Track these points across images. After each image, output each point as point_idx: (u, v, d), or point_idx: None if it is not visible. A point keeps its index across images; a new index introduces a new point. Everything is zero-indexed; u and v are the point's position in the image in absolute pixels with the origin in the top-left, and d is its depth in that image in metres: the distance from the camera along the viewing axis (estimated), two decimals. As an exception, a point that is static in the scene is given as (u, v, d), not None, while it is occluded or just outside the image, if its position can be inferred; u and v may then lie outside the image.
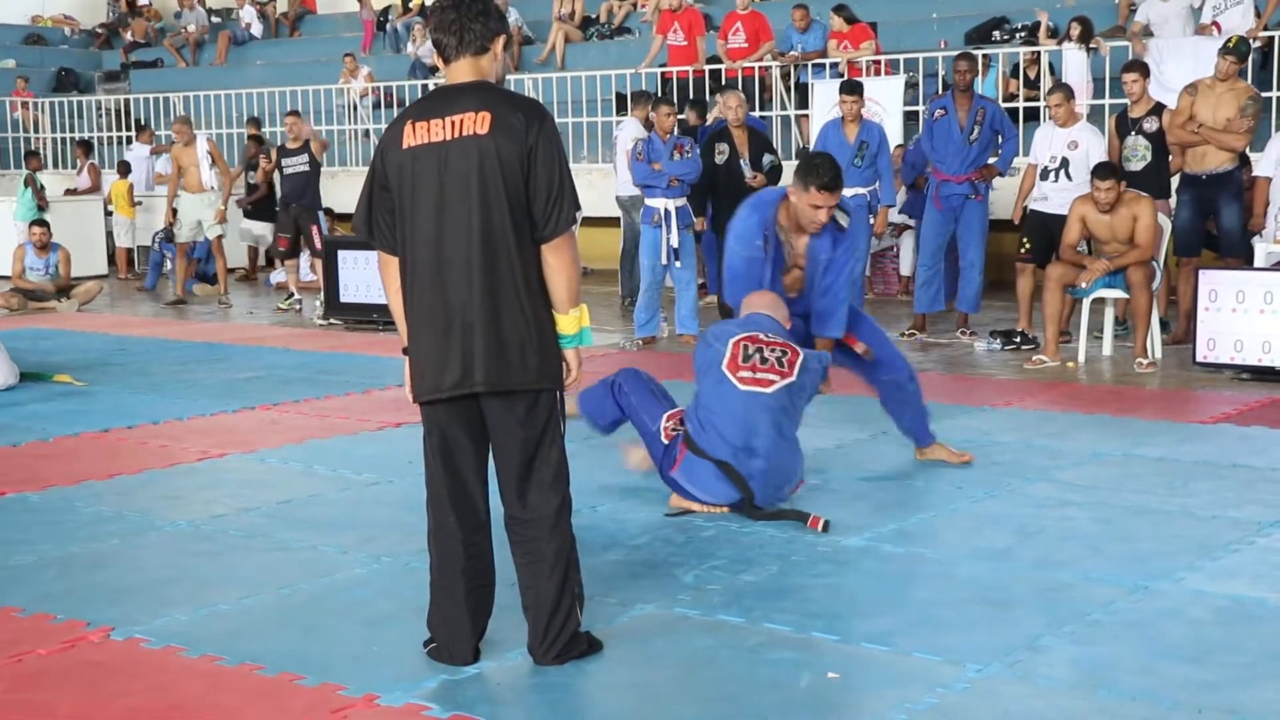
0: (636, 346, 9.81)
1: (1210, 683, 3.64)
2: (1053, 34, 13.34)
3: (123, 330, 11.53)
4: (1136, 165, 9.32)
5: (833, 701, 3.61)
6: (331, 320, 11.53)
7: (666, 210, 9.75)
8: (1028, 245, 9.47)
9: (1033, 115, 12.54)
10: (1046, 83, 12.34)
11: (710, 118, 12.30)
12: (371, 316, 11.02)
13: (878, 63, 13.60)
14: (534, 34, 17.75)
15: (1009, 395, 7.80)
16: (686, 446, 5.30)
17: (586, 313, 3.78)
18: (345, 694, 3.63)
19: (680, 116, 11.66)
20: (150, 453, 6.66)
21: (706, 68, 14.31)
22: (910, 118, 13.11)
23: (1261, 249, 8.88)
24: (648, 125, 10.90)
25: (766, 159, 10.29)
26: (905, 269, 12.41)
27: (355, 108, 17.31)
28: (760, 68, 14.13)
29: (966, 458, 6.14)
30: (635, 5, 17.67)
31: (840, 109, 10.34)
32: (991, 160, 9.86)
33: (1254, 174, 9.25)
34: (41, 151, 18.33)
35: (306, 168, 12.53)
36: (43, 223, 13.69)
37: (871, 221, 10.23)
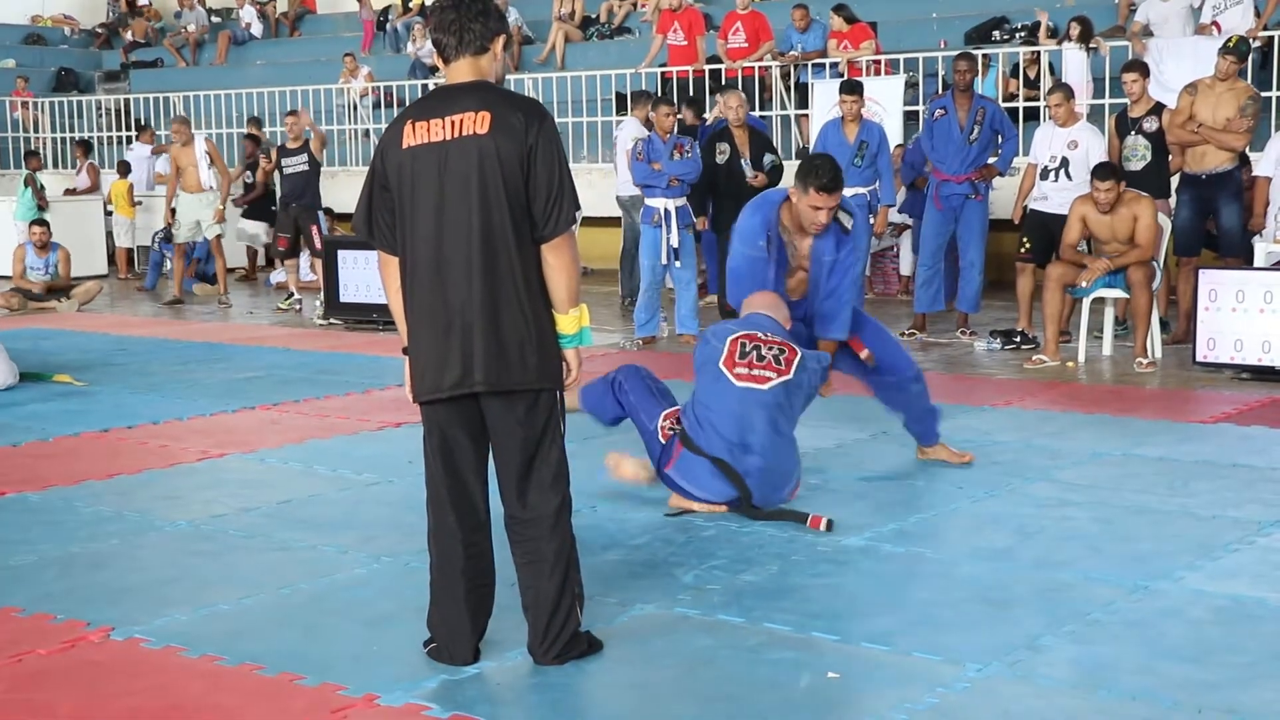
0: (636, 346, 9.81)
1: (1210, 682, 3.64)
2: (1053, 34, 13.34)
3: (123, 330, 11.53)
4: (1136, 165, 9.32)
5: (833, 701, 3.61)
6: (331, 320, 11.54)
7: (666, 210, 9.75)
8: (1028, 245, 9.47)
9: (1033, 115, 12.54)
10: (1046, 82, 12.34)
11: (710, 117, 12.31)
12: (371, 316, 11.02)
13: (878, 62, 13.60)
14: (534, 34, 17.75)
15: (1009, 395, 7.80)
16: (682, 444, 5.31)
17: (586, 312, 3.78)
18: (345, 694, 3.63)
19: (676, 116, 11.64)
20: (150, 453, 6.66)
21: (706, 67, 14.31)
22: (910, 117, 13.11)
23: (1261, 249, 8.88)
24: (648, 125, 10.90)
25: (768, 159, 10.30)
26: (905, 269, 12.41)
27: (355, 108, 17.31)
28: (760, 67, 14.12)
29: (967, 458, 6.14)
30: (635, 5, 17.67)
31: (840, 109, 10.35)
32: (991, 160, 9.86)
33: (1254, 174, 9.25)
34: (41, 151, 18.33)
35: (306, 167, 12.53)
36: (43, 222, 13.69)
37: (871, 221, 10.24)
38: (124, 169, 16.49)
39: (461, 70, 3.71)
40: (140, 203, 16.33)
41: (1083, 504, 5.45)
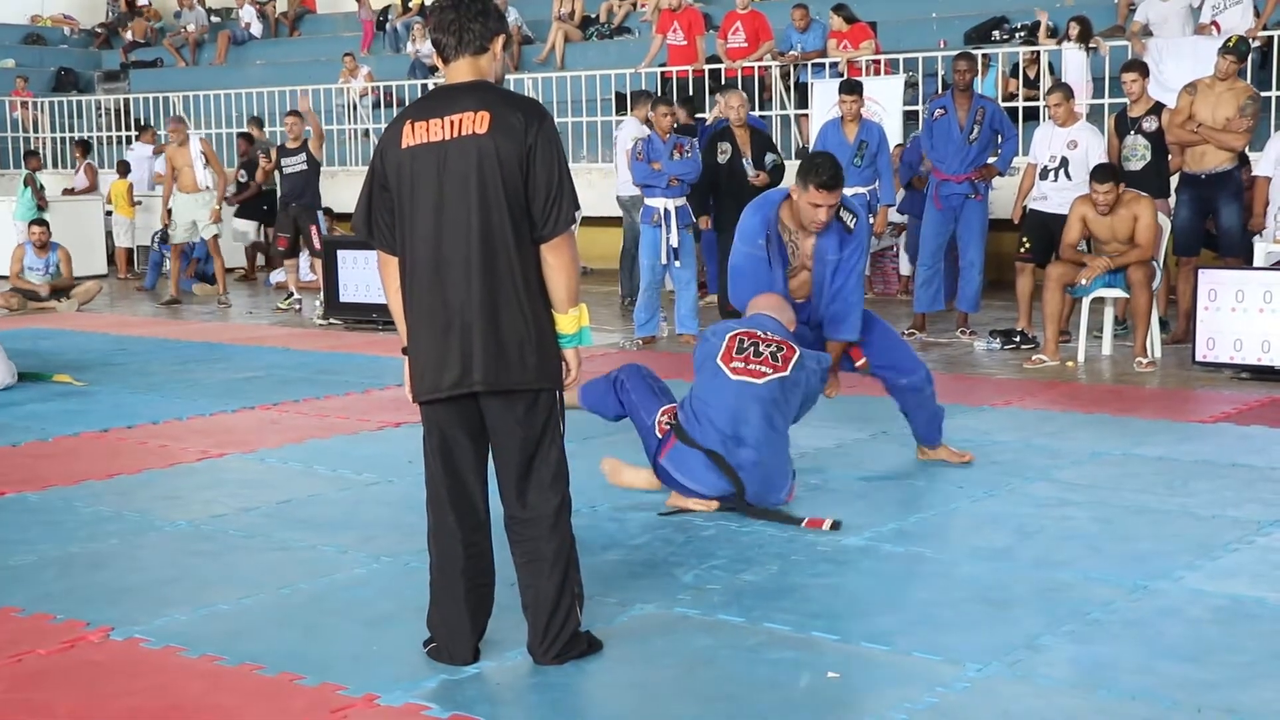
0: (636, 346, 9.81)
1: (1209, 682, 3.65)
2: (1052, 34, 13.34)
3: (122, 330, 11.53)
4: (1136, 165, 9.32)
5: (833, 701, 3.61)
6: (331, 320, 11.54)
7: (666, 210, 9.75)
8: (1027, 245, 9.47)
9: (1032, 115, 12.54)
10: (1046, 82, 12.33)
11: (710, 117, 12.31)
12: (371, 316, 11.02)
13: (877, 62, 13.60)
14: (534, 34, 17.75)
15: (1009, 395, 7.80)
16: (676, 436, 5.32)
17: (586, 312, 3.78)
18: (345, 694, 3.63)
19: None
20: (150, 453, 6.66)
21: (706, 67, 14.31)
22: (910, 117, 13.11)
23: (1261, 248, 8.88)
24: (648, 125, 10.90)
25: (769, 158, 10.30)
26: (905, 268, 12.41)
27: (355, 107, 17.31)
28: (760, 67, 14.12)
29: (967, 457, 6.14)
30: (635, 5, 17.67)
31: (840, 109, 10.35)
32: (991, 160, 9.85)
33: (1253, 174, 9.25)
34: (41, 151, 18.32)
35: (305, 167, 12.52)
36: (42, 222, 13.69)
37: (871, 221, 10.24)
38: (123, 169, 16.49)
39: (461, 70, 3.71)
40: (140, 203, 16.33)
41: (1082, 504, 5.45)
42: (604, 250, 13.64)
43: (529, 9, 17.96)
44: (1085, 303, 8.87)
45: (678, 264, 9.83)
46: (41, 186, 15.61)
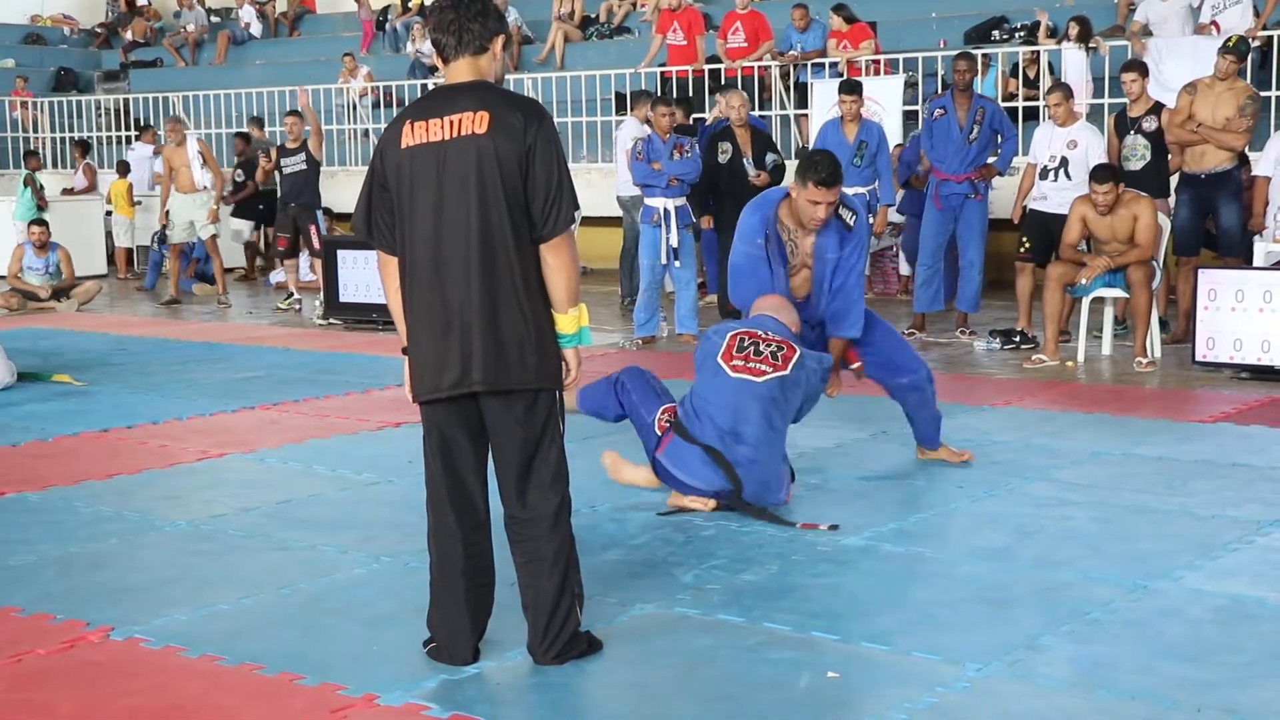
0: (636, 346, 9.81)
1: (1209, 682, 3.65)
2: (1052, 33, 13.34)
3: (122, 330, 11.53)
4: (1135, 164, 9.33)
5: (833, 701, 3.61)
6: (331, 320, 11.54)
7: (666, 210, 9.75)
8: (1027, 244, 9.47)
9: (1032, 115, 12.54)
10: (1046, 82, 12.33)
11: (710, 117, 12.31)
12: (371, 316, 11.02)
13: (877, 62, 13.60)
14: (533, 33, 17.75)
15: (1008, 394, 7.80)
16: (675, 432, 5.32)
17: (585, 312, 3.78)
18: (345, 694, 3.63)
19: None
20: (150, 453, 6.66)
21: (706, 67, 14.30)
22: (910, 117, 13.11)
23: (1261, 248, 8.88)
24: (649, 125, 10.90)
25: (770, 158, 10.30)
26: (904, 268, 12.41)
27: (354, 107, 17.31)
28: (760, 67, 14.12)
29: (966, 456, 6.14)
30: (635, 5, 17.67)
31: (839, 108, 10.36)
32: (991, 160, 9.86)
33: (1253, 173, 9.25)
34: (41, 151, 18.32)
35: (304, 166, 12.52)
36: (42, 222, 13.68)
37: (871, 221, 10.24)
38: (123, 169, 16.48)
39: (460, 70, 3.71)
40: (140, 203, 16.33)
41: (1082, 503, 5.45)
42: (604, 250, 13.64)
43: (529, 9, 17.96)
44: (1085, 303, 8.88)
45: (677, 264, 9.83)
46: (41, 186, 15.61)
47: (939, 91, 12.05)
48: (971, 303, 9.90)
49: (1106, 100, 12.03)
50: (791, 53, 14.12)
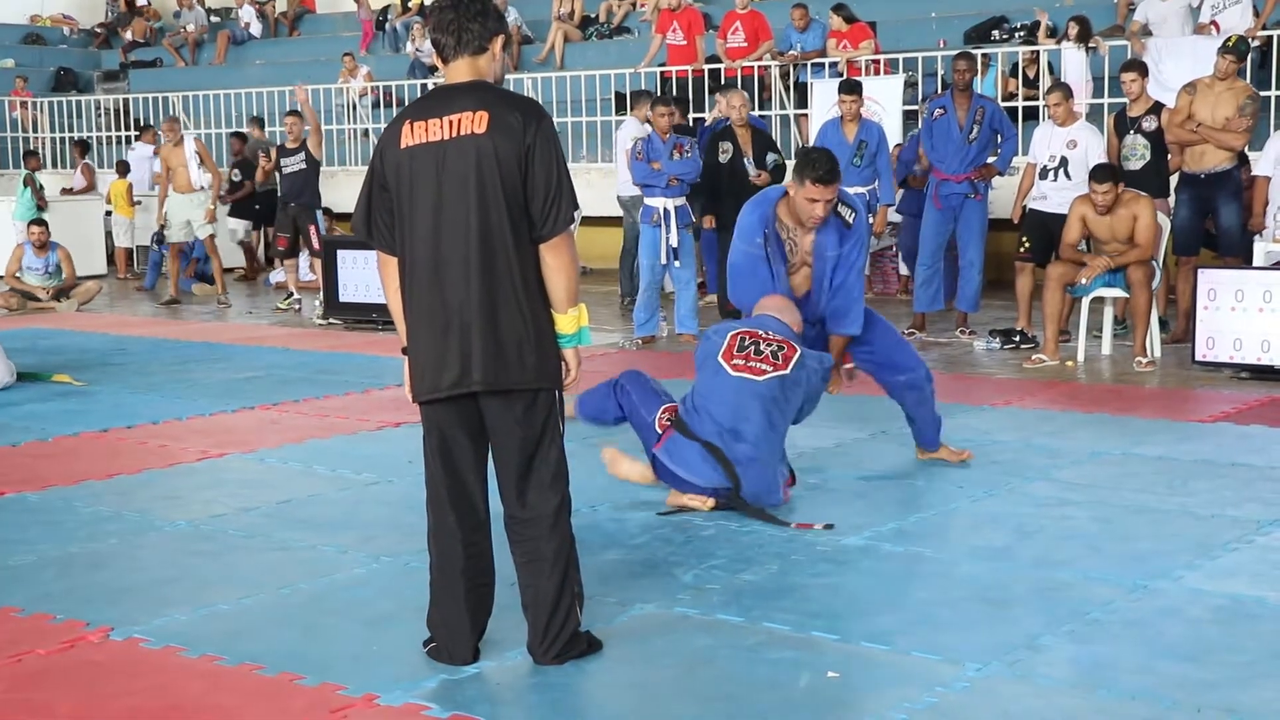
0: (636, 346, 9.82)
1: (1209, 681, 3.65)
2: (1052, 33, 13.34)
3: (122, 330, 11.53)
4: (1135, 164, 9.33)
5: (832, 701, 3.61)
6: (331, 320, 11.54)
7: (666, 210, 9.75)
8: (1027, 244, 9.47)
9: (1032, 114, 12.54)
10: (1045, 82, 12.33)
11: (710, 117, 12.30)
12: (371, 316, 11.02)
13: (877, 62, 13.60)
14: (533, 33, 17.75)
15: (1008, 394, 7.80)
16: (675, 429, 5.33)
17: (585, 312, 3.78)
18: (345, 694, 3.63)
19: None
20: (150, 453, 6.66)
21: (706, 67, 14.30)
22: (909, 117, 13.11)
23: (1261, 248, 8.88)
24: (649, 124, 10.91)
25: (770, 157, 10.31)
26: (902, 268, 12.41)
27: (354, 107, 17.31)
28: (759, 67, 14.12)
29: (965, 455, 6.14)
30: (634, 5, 17.67)
31: (839, 108, 10.36)
32: (991, 159, 9.86)
33: (1253, 173, 9.25)
34: (40, 151, 18.32)
35: (304, 166, 12.52)
36: (41, 222, 13.68)
37: (871, 220, 10.24)
38: (122, 169, 16.48)
39: (460, 70, 3.71)
40: (140, 203, 16.33)
41: (1082, 503, 5.45)
42: (604, 250, 13.64)
43: (529, 9, 17.96)
44: (1085, 302, 8.88)
45: (677, 264, 9.83)
46: (41, 186, 15.60)
47: (939, 91, 12.06)
48: (971, 302, 9.90)
49: (1106, 100, 12.03)
50: (791, 53, 14.12)
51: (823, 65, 13.81)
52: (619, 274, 12.37)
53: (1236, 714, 3.44)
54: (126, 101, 19.65)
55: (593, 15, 17.81)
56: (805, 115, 13.57)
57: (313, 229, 12.48)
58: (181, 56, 21.68)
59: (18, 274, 13.42)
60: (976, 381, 8.28)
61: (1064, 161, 9.35)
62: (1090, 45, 12.34)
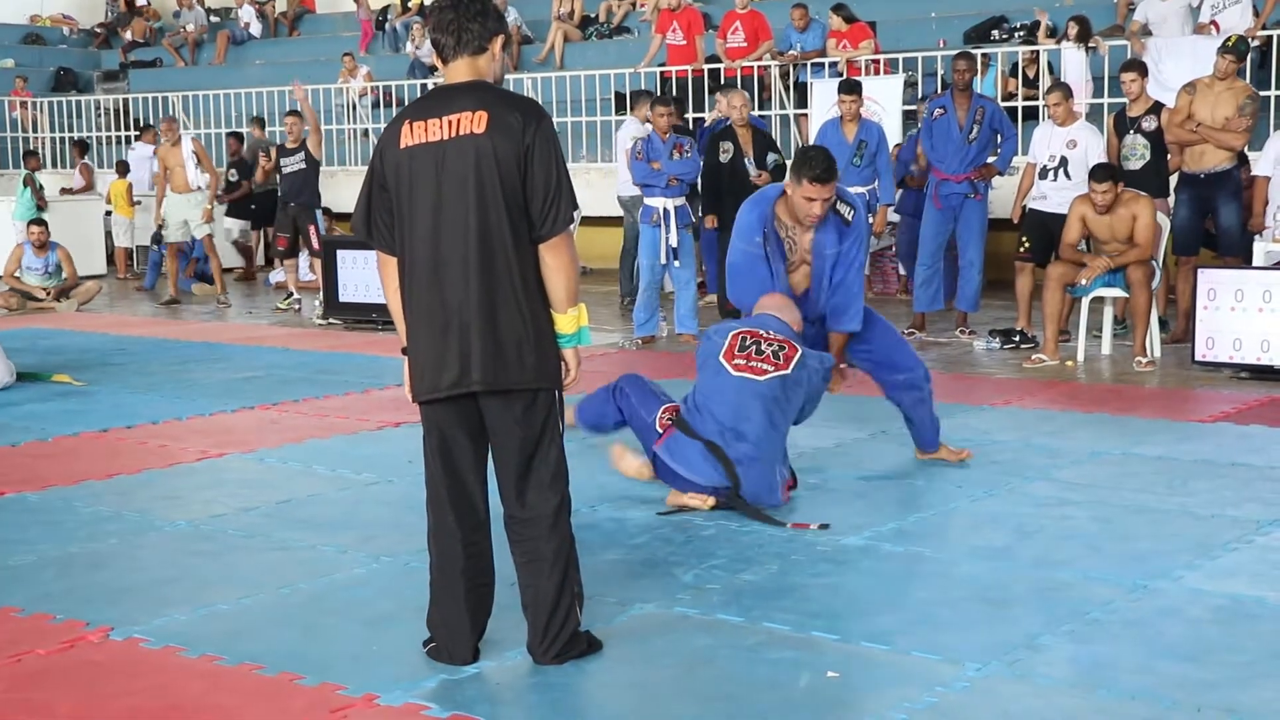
0: (635, 346, 9.82)
1: (1209, 681, 3.65)
2: (1051, 33, 13.34)
3: (121, 330, 11.53)
4: (1135, 164, 9.33)
5: (832, 701, 3.61)
6: (331, 320, 11.54)
7: (665, 210, 9.75)
8: (1027, 244, 9.48)
9: (1032, 114, 12.54)
10: (1045, 82, 12.34)
11: (710, 117, 12.30)
12: (371, 316, 11.02)
13: (876, 62, 13.60)
14: (533, 33, 17.75)
15: (1008, 394, 7.80)
16: (676, 427, 5.33)
17: (585, 312, 3.78)
18: (345, 694, 3.63)
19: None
20: (149, 453, 6.66)
21: (705, 67, 14.31)
22: (909, 117, 13.11)
23: (1260, 248, 8.88)
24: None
25: (771, 157, 10.31)
26: (902, 268, 12.41)
27: (354, 107, 17.31)
28: (759, 67, 14.12)
29: (965, 454, 6.14)
30: (634, 4, 17.67)
31: (839, 108, 10.36)
32: (991, 159, 9.86)
33: (1253, 173, 9.26)
34: (40, 151, 18.32)
35: (304, 166, 12.52)
36: (41, 222, 13.68)
37: (870, 220, 10.24)
38: (122, 169, 16.48)
39: (460, 70, 3.71)
40: (139, 203, 16.32)
41: (1082, 503, 5.45)
42: (604, 250, 13.64)
43: (529, 9, 17.96)
44: (1085, 302, 8.88)
45: (677, 264, 9.83)
46: (41, 186, 15.60)
47: (938, 91, 12.05)
48: (971, 302, 9.90)
49: (1106, 100, 12.03)
50: (791, 52, 14.12)
51: (822, 65, 13.81)
52: (619, 274, 12.37)
53: (1236, 714, 3.44)
54: (126, 101, 19.65)
55: (593, 15, 17.81)
56: (805, 115, 13.57)
57: (312, 229, 12.48)
58: (181, 56, 21.68)
59: (17, 274, 13.41)
60: (976, 381, 8.28)
61: (1064, 161, 9.36)
62: (1090, 45, 12.34)
